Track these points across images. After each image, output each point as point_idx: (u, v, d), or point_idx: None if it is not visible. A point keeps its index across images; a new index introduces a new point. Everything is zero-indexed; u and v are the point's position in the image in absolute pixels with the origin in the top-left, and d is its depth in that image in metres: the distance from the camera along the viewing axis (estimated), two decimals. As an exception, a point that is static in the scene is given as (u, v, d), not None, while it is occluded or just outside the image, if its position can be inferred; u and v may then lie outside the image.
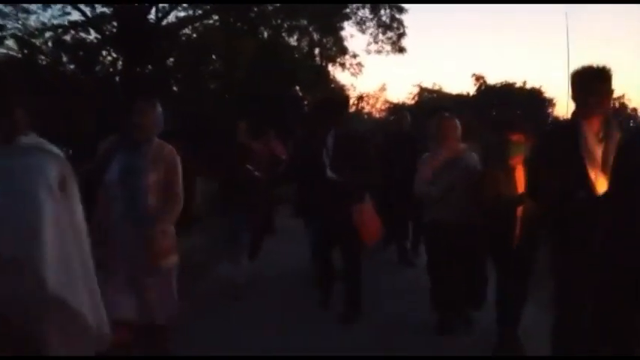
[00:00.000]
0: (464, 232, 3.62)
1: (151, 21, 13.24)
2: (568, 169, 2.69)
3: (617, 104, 20.89)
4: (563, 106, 18.48)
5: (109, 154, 2.90)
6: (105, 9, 12.86)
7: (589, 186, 2.65)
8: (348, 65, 19.36)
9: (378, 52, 18.51)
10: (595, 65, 2.69)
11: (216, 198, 4.98)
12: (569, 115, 3.81)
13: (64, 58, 13.21)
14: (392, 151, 5.65)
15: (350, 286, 4.17)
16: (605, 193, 2.55)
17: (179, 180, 2.96)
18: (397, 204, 5.51)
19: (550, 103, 19.53)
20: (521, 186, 3.30)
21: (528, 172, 3.12)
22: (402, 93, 40.90)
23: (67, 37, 13.38)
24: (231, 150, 4.83)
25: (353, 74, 19.66)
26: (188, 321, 3.65)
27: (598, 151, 2.67)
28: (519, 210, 3.32)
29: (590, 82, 2.69)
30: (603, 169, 2.63)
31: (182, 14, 14.23)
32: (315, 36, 18.52)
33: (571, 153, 2.69)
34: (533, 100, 17.12)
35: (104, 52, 13.93)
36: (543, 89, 18.54)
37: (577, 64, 2.82)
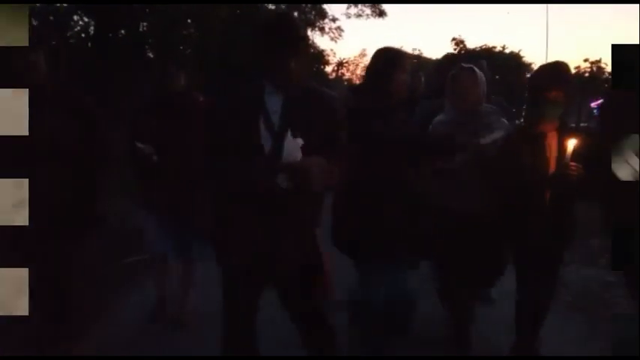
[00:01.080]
0: (478, 224, 2.78)
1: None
2: None
3: (594, 69, 21.14)
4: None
5: None
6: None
7: None
8: (327, 30, 19.16)
9: (358, 15, 18.33)
10: None
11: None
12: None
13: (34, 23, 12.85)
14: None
15: None
16: None
17: None
18: None
19: (528, 68, 19.69)
20: (553, 160, 2.55)
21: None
22: (384, 59, 40.46)
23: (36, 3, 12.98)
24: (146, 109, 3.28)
25: (332, 39, 19.47)
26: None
27: None
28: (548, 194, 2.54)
29: None
30: None
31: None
32: (294, -1, 18.18)
33: None
34: (512, 65, 17.20)
35: (75, 17, 13.56)
36: (522, 54, 18.67)
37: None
